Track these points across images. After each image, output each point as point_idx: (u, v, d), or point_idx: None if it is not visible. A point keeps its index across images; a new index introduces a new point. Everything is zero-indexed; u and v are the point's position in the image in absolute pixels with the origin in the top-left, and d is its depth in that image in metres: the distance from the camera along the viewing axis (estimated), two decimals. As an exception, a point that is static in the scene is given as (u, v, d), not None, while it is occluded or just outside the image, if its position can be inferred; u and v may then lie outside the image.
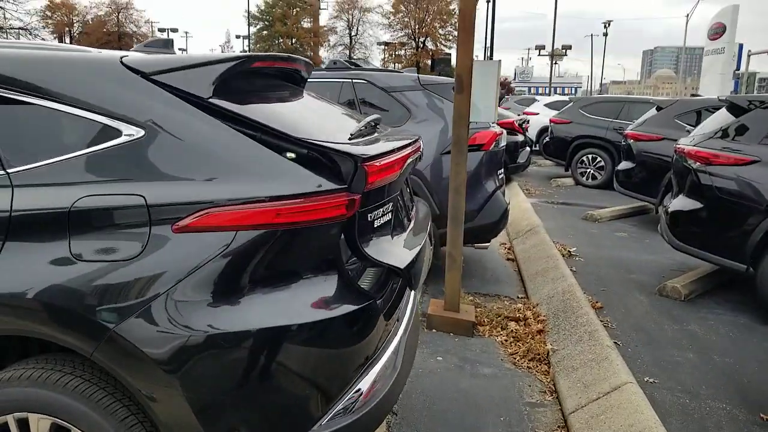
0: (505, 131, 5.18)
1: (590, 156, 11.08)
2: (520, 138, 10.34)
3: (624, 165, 8.23)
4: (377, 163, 1.82)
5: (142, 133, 1.67)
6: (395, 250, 2.04)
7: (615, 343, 3.67)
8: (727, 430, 2.90)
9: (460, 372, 3.45)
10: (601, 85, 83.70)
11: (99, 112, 1.69)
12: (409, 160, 2.22)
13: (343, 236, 1.79)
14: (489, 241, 4.86)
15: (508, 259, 6.01)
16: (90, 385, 1.66)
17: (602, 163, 10.93)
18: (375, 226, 1.95)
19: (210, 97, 1.73)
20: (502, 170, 5.06)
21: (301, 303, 1.68)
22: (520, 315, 4.24)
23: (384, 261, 1.90)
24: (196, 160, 1.65)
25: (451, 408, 3.04)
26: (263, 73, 2.16)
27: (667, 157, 7.34)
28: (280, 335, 1.62)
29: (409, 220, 2.50)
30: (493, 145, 4.68)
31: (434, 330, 4.01)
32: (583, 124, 11.24)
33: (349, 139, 1.93)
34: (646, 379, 3.36)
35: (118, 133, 1.68)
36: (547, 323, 4.06)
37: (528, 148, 11.09)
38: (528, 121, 12.64)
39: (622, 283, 5.20)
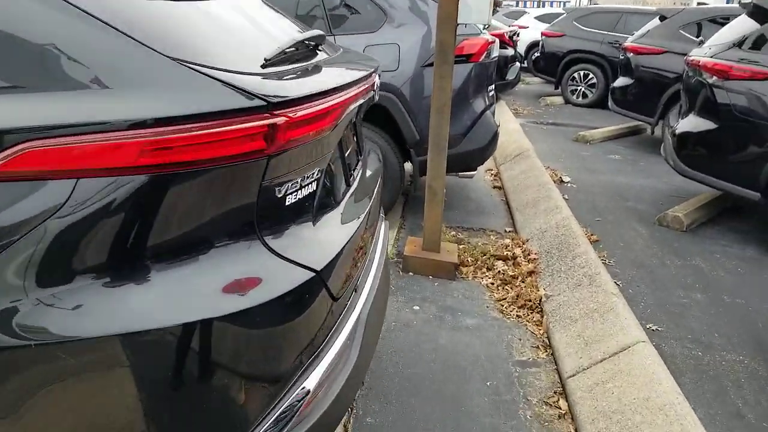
0: (497, 40, 4.47)
1: (582, 72, 10.41)
2: (510, 52, 9.56)
3: (621, 81, 7.62)
4: (294, 113, 1.21)
5: None
6: (315, 240, 1.43)
7: (615, 283, 3.23)
8: (748, 388, 2.51)
9: (439, 324, 2.97)
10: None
11: None
12: (354, 105, 1.59)
13: (258, 189, 1.23)
14: (475, 170, 4.28)
15: (494, 188, 5.46)
16: None
17: (594, 80, 10.29)
18: (287, 204, 1.34)
19: None
20: (493, 87, 4.39)
21: (204, 289, 1.16)
22: (509, 253, 3.74)
23: (293, 258, 1.30)
24: (4, 59, 1.04)
25: (428, 372, 2.57)
26: None
27: (670, 73, 6.85)
28: (167, 338, 1.10)
29: (349, 185, 1.81)
30: (483, 56, 3.99)
31: (411, 273, 3.50)
32: (576, 37, 10.48)
33: (263, 66, 1.29)
34: (650, 327, 2.97)
35: None
36: (539, 263, 3.57)
37: (518, 64, 10.33)
38: (518, 33, 11.79)
39: (619, 212, 4.75)
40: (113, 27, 1.10)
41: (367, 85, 1.72)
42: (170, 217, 1.12)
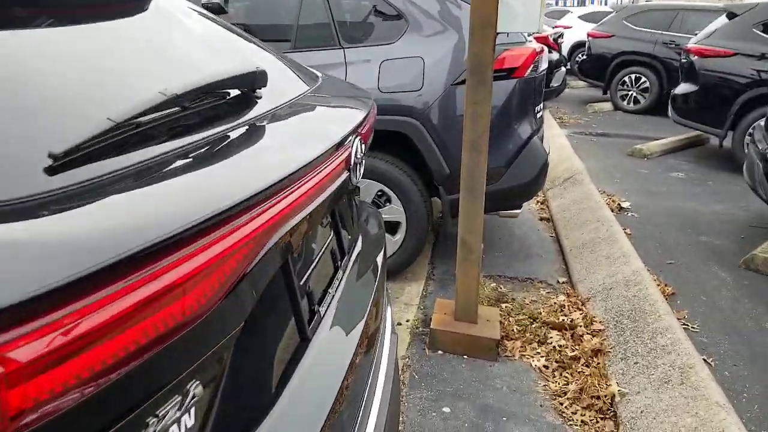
0: (546, 49, 3.66)
1: (633, 76, 9.50)
2: (555, 56, 8.69)
3: (683, 87, 6.71)
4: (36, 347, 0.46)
5: None
6: None
7: (702, 359, 2.43)
8: None
9: (476, 438, 2.22)
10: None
11: None
12: (298, 217, 0.87)
13: None
14: (520, 208, 3.48)
15: (541, 219, 4.63)
16: None
17: (647, 84, 9.37)
18: None
19: None
20: (541, 106, 3.57)
21: None
22: (565, 319, 2.94)
23: None
24: None
25: None
26: None
27: (741, 77, 5.97)
28: None
29: (307, 338, 1.01)
30: (530, 70, 3.19)
31: (440, 352, 2.75)
32: (627, 38, 9.59)
33: (54, 169, 0.59)
34: (762, 435, 2.15)
35: None
36: (606, 336, 2.77)
37: (563, 69, 9.44)
38: (562, 35, 10.89)
39: (693, 251, 3.90)
40: None
41: (340, 161, 0.97)
42: None
